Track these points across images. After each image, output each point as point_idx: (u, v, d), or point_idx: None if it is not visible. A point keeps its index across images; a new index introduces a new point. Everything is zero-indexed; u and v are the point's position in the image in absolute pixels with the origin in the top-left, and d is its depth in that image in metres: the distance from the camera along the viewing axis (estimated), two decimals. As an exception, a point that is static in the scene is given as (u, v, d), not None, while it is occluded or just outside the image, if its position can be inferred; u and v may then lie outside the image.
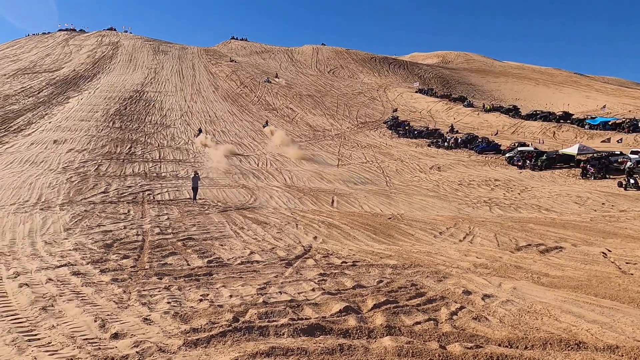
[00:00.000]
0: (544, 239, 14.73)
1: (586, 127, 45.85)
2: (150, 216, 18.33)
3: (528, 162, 33.89)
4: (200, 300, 7.97)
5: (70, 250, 12.22)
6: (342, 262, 11.14)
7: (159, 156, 38.33)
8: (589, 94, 76.65)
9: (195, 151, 41.60)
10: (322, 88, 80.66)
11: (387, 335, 6.36)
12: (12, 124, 48.30)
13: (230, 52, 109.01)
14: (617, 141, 37.40)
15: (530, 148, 36.42)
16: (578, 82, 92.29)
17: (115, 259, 11.22)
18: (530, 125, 50.69)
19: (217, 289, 8.76)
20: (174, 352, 5.75)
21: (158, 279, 9.47)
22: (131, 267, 10.48)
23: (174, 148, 42.29)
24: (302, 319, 6.93)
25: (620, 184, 26.04)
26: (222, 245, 13.40)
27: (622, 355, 5.78)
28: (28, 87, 69.26)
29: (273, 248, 13.08)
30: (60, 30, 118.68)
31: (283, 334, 6.33)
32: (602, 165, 29.46)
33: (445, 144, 45.09)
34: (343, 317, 7.01)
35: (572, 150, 33.21)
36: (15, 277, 9.42)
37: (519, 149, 36.50)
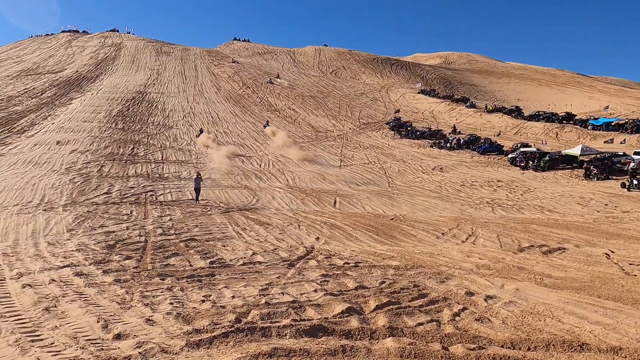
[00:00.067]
0: (546, 240, 14.69)
1: (589, 127, 45.71)
2: (153, 217, 18.36)
3: (531, 163, 33.81)
4: (203, 301, 7.98)
5: (73, 251, 12.25)
6: (344, 263, 11.13)
7: (162, 157, 38.39)
8: (592, 95, 76.44)
9: (197, 152, 41.66)
10: (325, 89, 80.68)
11: (389, 336, 6.36)
12: (15, 125, 48.46)
13: (232, 53, 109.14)
14: (621, 142, 37.28)
15: (533, 149, 36.33)
16: (581, 83, 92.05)
17: (117, 259, 11.25)
18: (533, 126, 50.58)
19: (219, 289, 8.77)
20: (176, 353, 5.75)
21: (160, 279, 9.48)
22: (134, 268, 10.50)
23: (177, 149, 42.36)
24: (304, 319, 6.93)
25: (623, 185, 25.96)
26: (224, 246, 13.41)
27: (626, 357, 5.76)
28: (31, 88, 69.50)
29: (275, 249, 13.08)
30: (63, 31, 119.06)
31: (285, 335, 6.33)
32: (605, 166, 29.38)
33: (448, 144, 45.03)
34: (345, 318, 7.01)
35: (575, 151, 33.13)
36: (19, 278, 9.45)
37: (522, 149, 36.40)
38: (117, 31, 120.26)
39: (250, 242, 14.19)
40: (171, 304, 7.79)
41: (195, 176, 24.61)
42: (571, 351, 5.95)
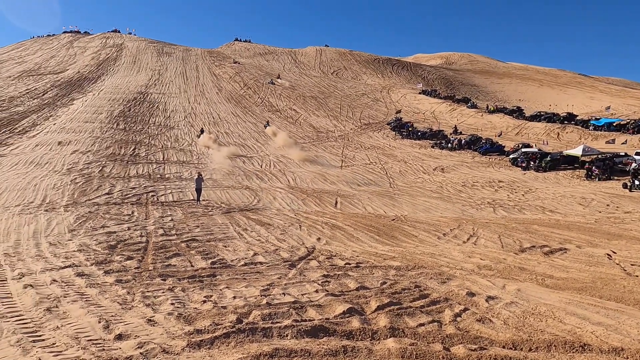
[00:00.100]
0: (548, 240, 14.67)
1: (590, 128, 45.66)
2: (154, 217, 18.38)
3: (532, 163, 33.77)
4: (204, 301, 7.98)
5: (74, 251, 12.27)
6: (345, 264, 11.13)
7: (163, 158, 38.43)
8: (594, 95, 76.34)
9: (198, 153, 41.69)
10: (326, 89, 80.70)
11: (390, 337, 6.35)
12: (17, 125, 48.54)
13: (233, 53, 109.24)
14: (622, 143, 37.23)
15: (534, 149, 36.30)
16: (582, 83, 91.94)
17: (119, 260, 11.26)
18: (534, 127, 50.53)
19: (220, 290, 8.78)
20: (177, 354, 5.76)
21: (162, 280, 9.49)
22: (135, 268, 10.51)
23: (178, 149, 42.39)
24: (305, 320, 6.93)
25: (625, 185, 25.92)
26: (225, 246, 13.42)
27: (627, 358, 5.75)
28: (33, 89, 69.62)
29: (276, 249, 13.09)
30: (64, 32, 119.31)
31: (286, 336, 6.33)
32: (606, 167, 29.33)
33: (449, 145, 44.99)
34: (346, 319, 7.01)
35: (577, 151, 33.09)
36: (20, 278, 9.46)
37: (523, 150, 36.37)
38: (119, 32, 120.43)
39: (251, 243, 14.20)
40: (172, 304, 7.79)
41: (197, 177, 24.63)
42: (573, 352, 5.94)
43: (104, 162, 33.92)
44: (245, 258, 11.77)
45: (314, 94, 76.70)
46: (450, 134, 50.49)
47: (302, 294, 8.42)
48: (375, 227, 17.74)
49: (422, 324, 6.89)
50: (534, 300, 8.03)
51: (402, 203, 24.97)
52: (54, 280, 9.25)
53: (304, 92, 77.82)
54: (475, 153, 41.57)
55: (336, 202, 24.98)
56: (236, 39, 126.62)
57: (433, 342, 6.19)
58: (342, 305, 7.56)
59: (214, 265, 10.88)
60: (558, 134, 46.58)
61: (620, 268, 11.02)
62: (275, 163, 39.16)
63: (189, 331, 6.44)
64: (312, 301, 7.95)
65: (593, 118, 48.90)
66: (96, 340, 6.24)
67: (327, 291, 8.56)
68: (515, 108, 60.81)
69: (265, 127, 55.21)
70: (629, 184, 25.70)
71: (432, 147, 46.02)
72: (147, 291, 8.61)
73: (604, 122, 45.67)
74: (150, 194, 24.73)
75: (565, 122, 49.68)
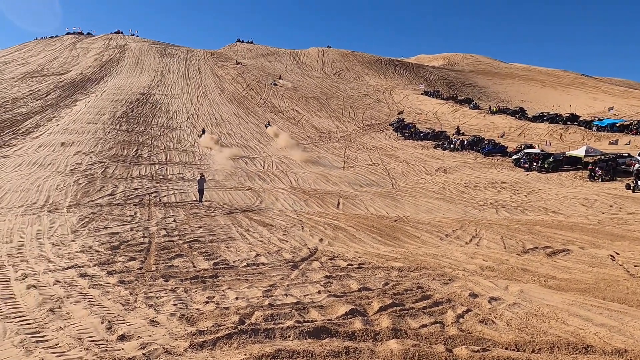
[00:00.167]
0: (551, 241, 14.64)
1: (593, 129, 45.53)
2: (157, 218, 18.41)
3: (535, 164, 33.70)
4: (206, 302, 7.99)
5: (77, 252, 12.30)
6: (347, 265, 11.13)
7: (165, 158, 38.49)
8: (597, 96, 76.14)
9: (201, 153, 41.75)
10: (328, 90, 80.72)
11: (393, 338, 6.35)
12: (20, 126, 48.70)
13: (236, 54, 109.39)
14: (625, 143, 37.11)
15: (537, 150, 36.22)
16: (585, 84, 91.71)
17: (122, 261, 11.28)
18: (537, 127, 50.42)
19: (223, 291, 8.79)
20: (180, 354, 5.77)
21: (164, 281, 9.51)
22: (138, 269, 10.53)
23: (180, 150, 42.45)
24: (307, 321, 6.93)
25: (628, 186, 25.83)
26: (228, 247, 13.43)
27: (631, 359, 5.73)
28: (36, 90, 69.85)
29: (279, 250, 13.09)
30: (67, 33, 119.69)
31: (289, 337, 6.34)
32: (609, 168, 29.24)
33: (451, 146, 44.94)
34: (349, 320, 7.00)
35: (580, 152, 32.99)
36: (23, 279, 9.49)
37: (526, 151, 36.29)
38: (122, 33, 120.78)
39: (253, 244, 14.21)
40: (175, 305, 7.81)
41: (199, 177, 24.66)
42: (576, 353, 5.93)
43: (106, 163, 33.99)
44: (248, 259, 11.78)
45: (316, 95, 76.73)
46: (453, 134, 50.42)
47: (304, 295, 8.42)
48: (378, 228, 17.73)
49: (424, 325, 6.88)
50: (536, 302, 8.01)
51: (404, 204, 24.95)
52: (57, 281, 9.27)
53: (306, 93, 77.86)
54: (477, 154, 41.49)
55: (338, 203, 24.98)
56: (238, 40, 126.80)
57: (435, 344, 6.18)
58: (345, 306, 7.56)
59: (217, 266, 10.90)
60: (561, 134, 46.48)
61: (624, 269, 10.98)
62: (277, 164, 39.18)
63: (191, 332, 6.45)
64: (314, 302, 7.95)
65: (596, 119, 48.75)
66: (99, 340, 6.25)
67: (330, 292, 8.56)
68: (517, 109, 60.70)
69: (267, 127, 55.28)
70: (632, 184, 25.61)
71: (435, 148, 45.97)
72: (150, 292, 8.63)
73: (607, 122, 45.54)
74: (153, 195, 24.78)
75: (568, 122, 49.56)
